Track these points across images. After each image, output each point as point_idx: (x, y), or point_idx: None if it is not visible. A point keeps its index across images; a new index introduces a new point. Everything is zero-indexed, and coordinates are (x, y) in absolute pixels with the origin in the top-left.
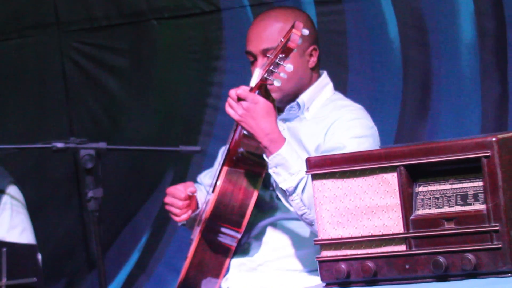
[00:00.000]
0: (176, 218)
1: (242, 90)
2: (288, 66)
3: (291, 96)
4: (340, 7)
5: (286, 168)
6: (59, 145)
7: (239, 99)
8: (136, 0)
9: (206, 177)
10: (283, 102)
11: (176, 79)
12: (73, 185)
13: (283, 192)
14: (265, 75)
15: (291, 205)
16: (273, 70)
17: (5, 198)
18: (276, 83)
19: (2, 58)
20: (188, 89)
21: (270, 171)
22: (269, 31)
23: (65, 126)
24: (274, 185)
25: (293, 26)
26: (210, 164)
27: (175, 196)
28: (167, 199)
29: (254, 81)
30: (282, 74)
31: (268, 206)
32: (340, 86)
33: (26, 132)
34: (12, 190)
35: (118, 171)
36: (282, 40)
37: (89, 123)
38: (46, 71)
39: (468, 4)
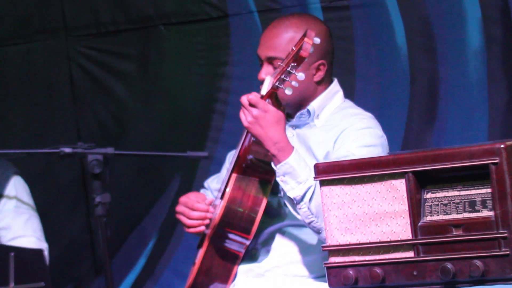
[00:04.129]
0: (186, 229)
1: (254, 96)
2: (300, 75)
3: (293, 107)
4: (347, 13)
5: (294, 176)
6: (67, 150)
7: (250, 105)
8: (144, 6)
9: (214, 182)
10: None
11: (183, 84)
12: (81, 190)
13: (291, 200)
14: (277, 84)
15: (298, 213)
16: (285, 78)
17: (4, 200)
18: (287, 92)
19: (10, 63)
20: (195, 94)
21: (278, 179)
22: (278, 40)
23: (73, 131)
24: (282, 193)
25: (305, 35)
26: (217, 170)
27: (187, 205)
28: (179, 208)
29: (265, 89)
30: (293, 83)
31: (276, 213)
32: (348, 92)
33: (33, 137)
34: (17, 181)
35: (125, 176)
36: (294, 49)
37: (96, 128)
38: (54, 76)
39: (476, 11)
